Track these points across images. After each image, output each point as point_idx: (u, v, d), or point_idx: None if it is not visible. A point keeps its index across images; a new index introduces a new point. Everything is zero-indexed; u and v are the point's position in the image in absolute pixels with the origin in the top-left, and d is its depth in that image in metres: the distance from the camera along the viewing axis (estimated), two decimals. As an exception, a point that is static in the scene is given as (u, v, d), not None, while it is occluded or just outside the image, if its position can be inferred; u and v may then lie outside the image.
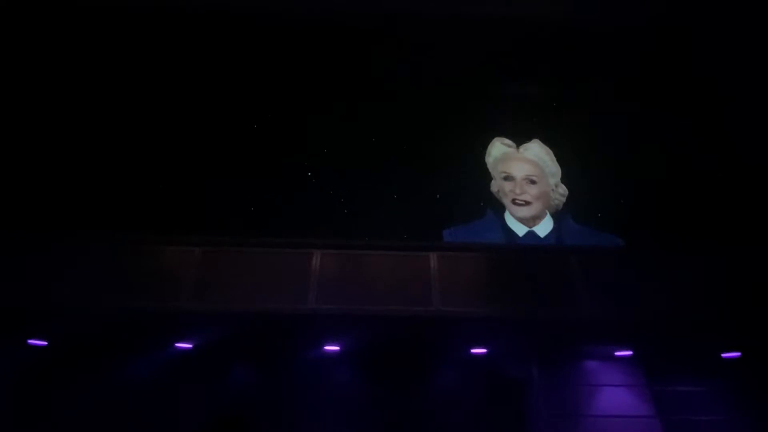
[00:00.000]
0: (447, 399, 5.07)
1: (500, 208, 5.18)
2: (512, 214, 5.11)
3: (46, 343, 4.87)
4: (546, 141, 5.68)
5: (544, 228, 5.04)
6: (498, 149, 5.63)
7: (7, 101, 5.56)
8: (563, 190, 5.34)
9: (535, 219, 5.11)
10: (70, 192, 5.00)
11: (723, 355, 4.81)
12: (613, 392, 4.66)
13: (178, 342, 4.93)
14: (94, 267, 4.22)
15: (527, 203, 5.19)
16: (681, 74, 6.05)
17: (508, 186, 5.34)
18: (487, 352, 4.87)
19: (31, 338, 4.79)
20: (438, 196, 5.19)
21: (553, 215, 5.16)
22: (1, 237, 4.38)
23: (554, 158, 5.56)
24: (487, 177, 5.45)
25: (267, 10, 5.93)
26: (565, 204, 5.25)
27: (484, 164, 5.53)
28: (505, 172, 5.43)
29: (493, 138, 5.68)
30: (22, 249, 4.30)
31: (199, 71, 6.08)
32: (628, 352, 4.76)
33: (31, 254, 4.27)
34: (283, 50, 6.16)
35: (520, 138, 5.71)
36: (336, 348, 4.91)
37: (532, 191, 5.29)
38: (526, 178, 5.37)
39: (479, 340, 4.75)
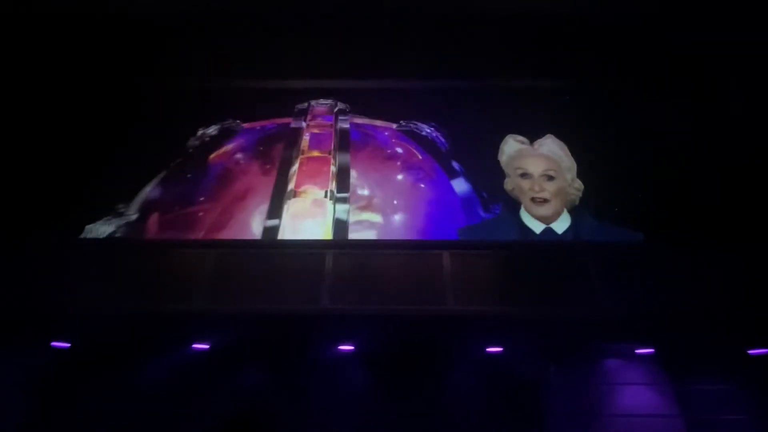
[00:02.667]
0: (462, 399, 5.03)
1: (514, 206, 5.08)
2: (531, 213, 4.98)
3: (68, 345, 5.00)
4: (559, 137, 5.52)
5: (561, 224, 4.92)
6: (511, 146, 5.47)
7: (24, 108, 5.70)
8: (579, 185, 5.20)
9: (553, 215, 5.01)
10: (86, 197, 5.09)
11: (749, 351, 4.65)
12: (635, 391, 4.55)
13: (195, 343, 5.00)
14: (112, 271, 4.30)
15: (546, 201, 5.03)
16: (693, 69, 5.84)
17: (525, 184, 5.15)
18: (502, 352, 4.81)
19: (54, 341, 4.93)
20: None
21: (570, 211, 5.04)
22: (20, 242, 4.51)
23: (569, 153, 5.42)
24: (500, 175, 5.28)
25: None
26: (583, 200, 5.11)
27: (497, 162, 5.38)
28: (521, 169, 5.26)
29: (504, 135, 5.52)
30: (41, 253, 4.42)
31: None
32: (650, 350, 4.63)
33: (51, 258, 4.38)
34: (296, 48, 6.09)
35: (532, 134, 5.56)
36: (350, 348, 4.91)
37: (550, 188, 5.12)
38: (543, 175, 5.21)
39: (494, 340, 4.70)
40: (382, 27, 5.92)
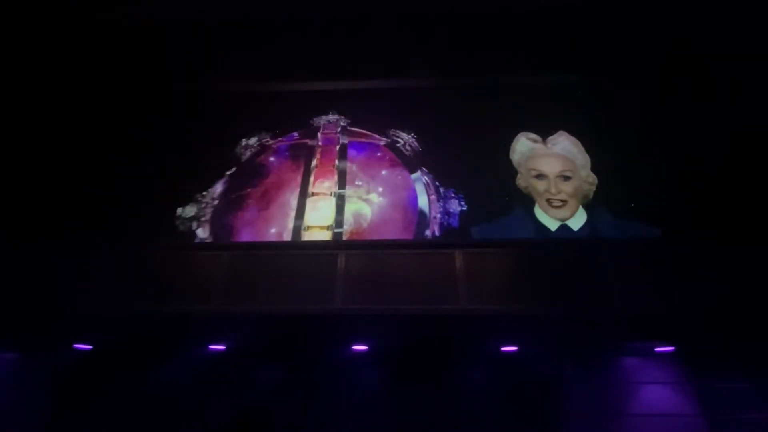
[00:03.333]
0: (477, 399, 5.00)
1: (529, 203, 4.98)
2: (548, 215, 4.86)
3: (90, 347, 5.14)
4: (572, 132, 5.38)
5: (577, 221, 4.80)
6: (523, 145, 5.34)
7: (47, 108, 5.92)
8: (593, 178, 5.06)
9: (570, 216, 4.87)
10: (107, 201, 5.23)
11: (774, 349, 4.52)
12: (654, 390, 4.46)
13: (211, 344, 5.09)
14: (130, 274, 4.40)
15: (564, 203, 4.90)
16: (708, 60, 5.65)
17: (541, 185, 5.02)
18: (517, 351, 4.76)
19: (76, 342, 5.07)
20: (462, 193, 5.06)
21: (586, 208, 4.89)
22: (42, 244, 4.65)
23: (583, 149, 5.28)
24: (512, 172, 5.19)
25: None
26: (599, 195, 4.97)
27: (509, 159, 5.27)
28: (535, 170, 5.12)
29: (516, 131, 5.41)
30: (63, 256, 4.54)
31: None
32: (670, 348, 4.53)
33: (71, 262, 4.49)
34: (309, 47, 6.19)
35: (544, 130, 5.42)
36: (364, 348, 4.93)
37: (567, 189, 4.99)
38: (560, 175, 5.06)
39: (509, 338, 4.66)
40: (386, 24, 5.91)
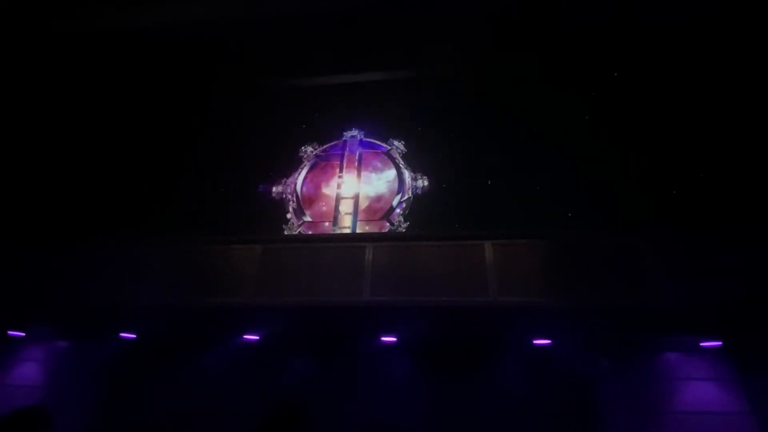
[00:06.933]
0: (509, 393, 4.90)
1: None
2: None
3: (134, 336, 5.44)
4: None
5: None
6: None
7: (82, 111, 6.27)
8: None
9: None
10: (151, 202, 5.54)
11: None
12: (699, 386, 4.23)
13: (244, 334, 5.26)
14: (169, 268, 4.60)
15: None
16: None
17: None
18: (551, 344, 4.62)
19: (122, 332, 5.38)
20: (489, 182, 5.00)
21: None
22: (91, 242, 4.95)
23: None
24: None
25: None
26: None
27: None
28: None
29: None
30: (111, 253, 4.80)
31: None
32: (717, 343, 4.28)
33: (118, 258, 4.75)
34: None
35: None
36: (393, 339, 4.94)
37: None
38: None
39: (541, 332, 4.53)
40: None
